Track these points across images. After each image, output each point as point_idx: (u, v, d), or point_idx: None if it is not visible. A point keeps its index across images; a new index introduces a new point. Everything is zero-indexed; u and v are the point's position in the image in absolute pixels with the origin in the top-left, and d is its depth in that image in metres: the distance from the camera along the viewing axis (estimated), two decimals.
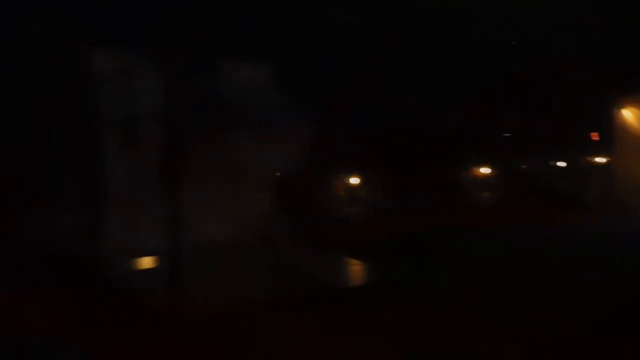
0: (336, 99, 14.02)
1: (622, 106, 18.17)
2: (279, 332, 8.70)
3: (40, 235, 10.98)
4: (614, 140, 18.34)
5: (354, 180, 14.64)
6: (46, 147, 10.96)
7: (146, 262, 11.47)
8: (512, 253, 12.89)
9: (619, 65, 15.76)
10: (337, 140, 14.27)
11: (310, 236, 13.14)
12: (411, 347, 8.04)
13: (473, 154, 17.11)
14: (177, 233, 11.33)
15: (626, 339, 8.12)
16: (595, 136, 18.92)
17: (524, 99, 16.75)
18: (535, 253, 12.95)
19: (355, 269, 12.87)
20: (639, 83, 17.10)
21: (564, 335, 8.35)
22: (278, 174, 12.84)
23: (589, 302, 9.48)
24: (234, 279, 10.86)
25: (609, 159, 18.58)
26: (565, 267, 11.70)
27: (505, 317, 9.04)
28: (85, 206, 11.01)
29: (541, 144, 17.70)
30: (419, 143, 16.22)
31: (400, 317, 9.17)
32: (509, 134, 17.45)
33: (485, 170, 17.07)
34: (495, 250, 13.12)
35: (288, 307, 9.81)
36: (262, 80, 12.52)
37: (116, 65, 11.33)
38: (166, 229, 11.16)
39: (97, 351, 8.01)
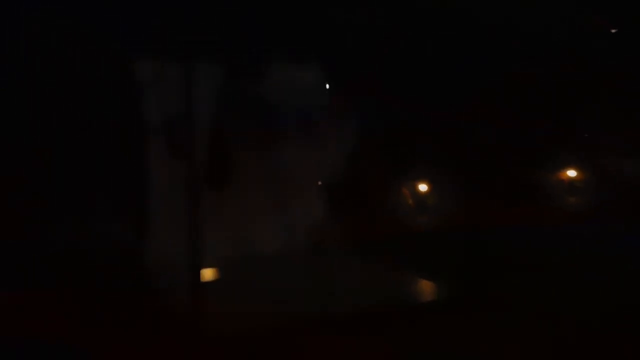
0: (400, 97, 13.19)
1: None
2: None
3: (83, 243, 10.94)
4: None
5: (422, 187, 13.69)
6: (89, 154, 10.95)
7: (192, 274, 11.19)
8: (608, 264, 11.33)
9: None
10: (403, 141, 13.41)
11: (368, 247, 12.39)
12: None
13: (559, 153, 15.62)
14: (222, 243, 11.11)
15: None
16: None
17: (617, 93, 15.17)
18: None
19: (417, 284, 12.03)
20: None
21: None
22: (326, 180, 12.25)
23: None
24: (286, 293, 10.44)
25: None
26: None
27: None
28: (127, 215, 10.89)
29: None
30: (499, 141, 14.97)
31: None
32: (599, 131, 15.79)
33: (573, 173, 15.50)
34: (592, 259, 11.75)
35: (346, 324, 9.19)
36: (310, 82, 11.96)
37: (156, 71, 11.16)
38: (207, 240, 10.90)
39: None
